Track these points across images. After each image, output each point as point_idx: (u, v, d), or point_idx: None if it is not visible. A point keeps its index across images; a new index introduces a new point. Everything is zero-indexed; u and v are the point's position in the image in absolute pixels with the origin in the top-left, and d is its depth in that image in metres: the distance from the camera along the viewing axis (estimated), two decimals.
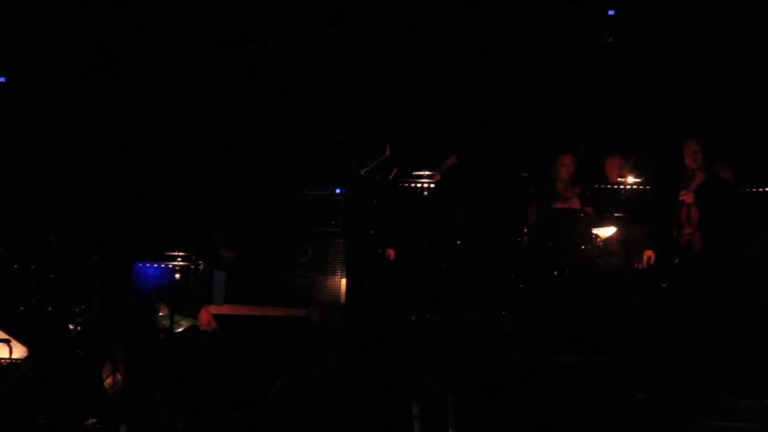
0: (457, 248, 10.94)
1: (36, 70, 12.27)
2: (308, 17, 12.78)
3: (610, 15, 11.92)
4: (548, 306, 10.47)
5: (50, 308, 10.37)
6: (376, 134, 11.95)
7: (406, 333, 10.27)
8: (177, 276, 9.85)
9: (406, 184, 10.89)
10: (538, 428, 9.09)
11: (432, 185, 10.88)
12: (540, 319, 10.35)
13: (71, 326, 10.13)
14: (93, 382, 9.78)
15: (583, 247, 10.75)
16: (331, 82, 12.74)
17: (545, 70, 12.59)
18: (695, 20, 12.24)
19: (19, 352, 9.71)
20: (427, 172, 10.93)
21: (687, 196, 10.81)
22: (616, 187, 10.66)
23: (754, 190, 10.76)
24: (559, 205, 11.25)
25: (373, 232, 11.01)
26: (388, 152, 11.19)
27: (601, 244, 10.84)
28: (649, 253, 10.79)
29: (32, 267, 10.45)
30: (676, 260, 10.79)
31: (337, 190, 10.53)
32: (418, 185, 10.86)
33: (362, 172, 11.14)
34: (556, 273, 10.72)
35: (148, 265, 9.86)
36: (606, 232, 10.86)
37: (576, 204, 11.20)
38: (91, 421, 9.47)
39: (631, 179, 10.62)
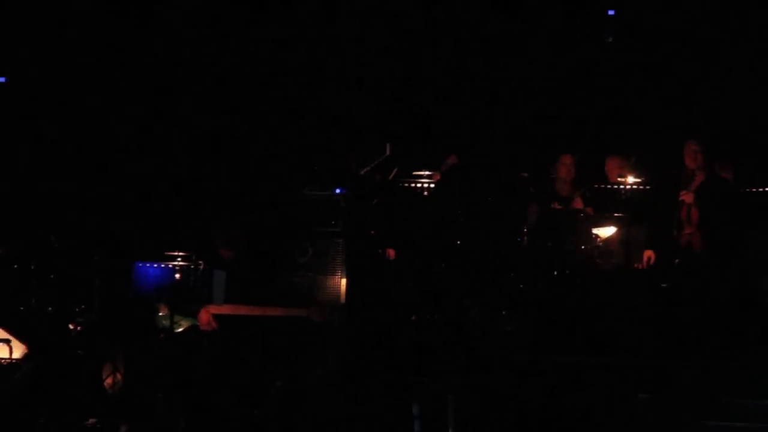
0: (457, 248, 10.94)
1: (36, 70, 12.27)
2: (308, 16, 12.79)
3: (610, 15, 11.93)
4: (548, 306, 10.47)
5: (50, 308, 10.37)
6: (376, 134, 11.95)
7: (406, 333, 10.27)
8: (177, 276, 9.83)
9: (406, 184, 10.89)
10: (538, 428, 9.08)
11: (432, 185, 10.88)
12: (540, 319, 10.35)
13: (71, 326, 10.13)
14: (93, 382, 9.77)
15: (583, 247, 10.75)
16: (331, 82, 12.74)
17: (545, 70, 12.59)
18: (695, 20, 12.24)
19: (19, 352, 9.71)
20: (427, 172, 10.93)
21: (687, 196, 10.80)
22: (616, 187, 10.66)
23: (754, 190, 10.77)
24: (559, 205, 11.24)
25: (373, 232, 11.01)
26: (388, 152, 11.20)
27: (601, 244, 10.84)
28: (649, 253, 10.78)
29: (32, 267, 10.46)
30: (676, 260, 10.79)
31: (337, 190, 10.53)
32: (418, 185, 10.86)
33: (362, 172, 11.14)
34: (556, 273, 10.72)
35: (148, 265, 9.85)
36: (606, 232, 10.86)
37: (576, 204, 11.19)
38: (91, 421, 9.46)
39: (631, 179, 10.62)
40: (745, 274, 10.59)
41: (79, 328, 10.11)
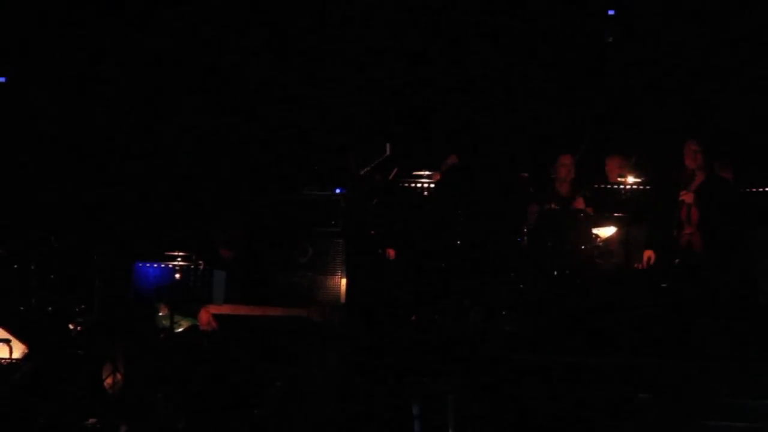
0: (457, 248, 10.94)
1: (36, 70, 12.28)
2: (308, 18, 12.79)
3: (610, 15, 11.93)
4: (548, 306, 10.46)
5: (50, 308, 10.37)
6: (376, 134, 11.95)
7: (406, 333, 10.26)
8: (177, 276, 9.84)
9: (406, 184, 10.89)
10: (538, 428, 9.08)
11: (432, 185, 10.88)
12: (540, 319, 10.35)
13: (71, 326, 10.12)
14: (93, 382, 9.77)
15: (583, 247, 10.75)
16: (331, 82, 12.74)
17: (545, 70, 12.59)
18: (695, 20, 12.24)
19: (19, 351, 9.71)
20: (427, 172, 10.93)
21: (687, 196, 10.80)
22: (616, 187, 10.66)
23: (754, 190, 10.77)
24: (558, 205, 11.24)
25: (373, 232, 11.01)
26: (388, 152, 11.19)
27: (601, 244, 10.84)
28: (649, 253, 10.78)
29: (32, 267, 10.46)
30: (676, 260, 10.79)
31: (337, 190, 10.54)
32: (418, 185, 10.86)
33: (362, 172, 11.14)
34: (556, 273, 10.72)
35: (148, 265, 9.85)
36: (606, 232, 10.86)
37: (576, 204, 11.19)
38: (91, 421, 9.46)
39: (631, 179, 10.62)
40: (745, 274, 10.58)
41: (79, 328, 10.11)
